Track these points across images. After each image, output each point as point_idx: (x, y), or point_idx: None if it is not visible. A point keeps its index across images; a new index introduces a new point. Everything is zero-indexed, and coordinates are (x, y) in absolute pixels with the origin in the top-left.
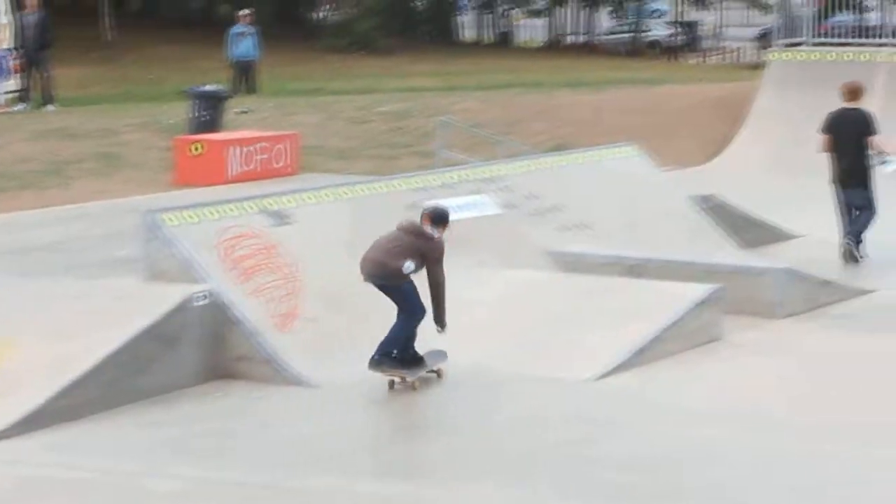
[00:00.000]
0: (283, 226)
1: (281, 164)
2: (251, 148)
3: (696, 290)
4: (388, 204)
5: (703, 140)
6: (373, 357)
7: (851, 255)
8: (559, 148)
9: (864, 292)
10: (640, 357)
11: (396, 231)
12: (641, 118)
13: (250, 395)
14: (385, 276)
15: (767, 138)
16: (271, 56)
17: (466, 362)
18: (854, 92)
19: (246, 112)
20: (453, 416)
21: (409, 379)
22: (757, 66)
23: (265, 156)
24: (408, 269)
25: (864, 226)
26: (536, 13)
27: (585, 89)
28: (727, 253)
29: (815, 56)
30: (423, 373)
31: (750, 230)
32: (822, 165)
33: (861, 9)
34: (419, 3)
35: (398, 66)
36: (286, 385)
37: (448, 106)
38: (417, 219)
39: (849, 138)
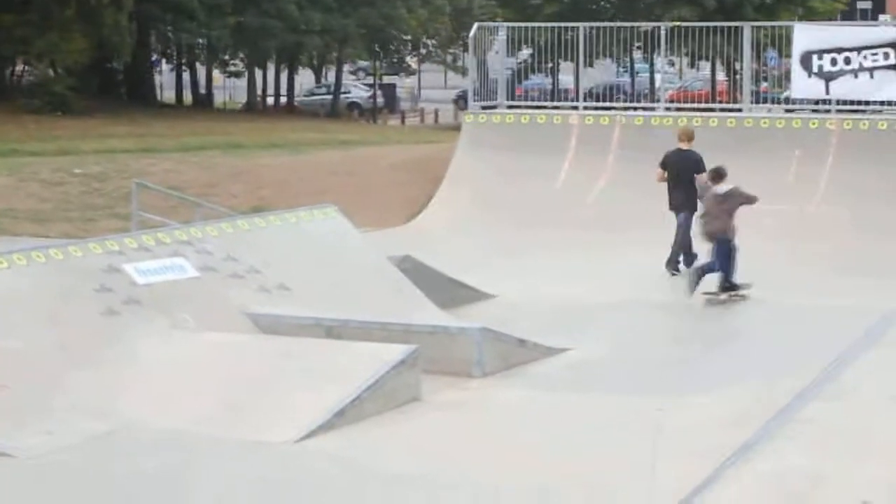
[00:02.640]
0: None
1: None
2: None
3: (394, 351)
4: (84, 267)
5: (402, 201)
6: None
7: (674, 268)
8: (258, 210)
9: (559, 351)
10: (340, 419)
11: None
12: (341, 179)
13: None
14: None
15: (463, 199)
16: None
17: (164, 426)
18: (687, 136)
19: None
20: (152, 483)
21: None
22: (455, 128)
23: None
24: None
25: (680, 248)
26: (236, 74)
27: (285, 151)
28: (425, 313)
29: (509, 119)
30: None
31: (447, 290)
32: (515, 225)
33: (555, 73)
34: (116, 64)
35: (96, 128)
36: None
37: (146, 167)
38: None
39: (682, 175)
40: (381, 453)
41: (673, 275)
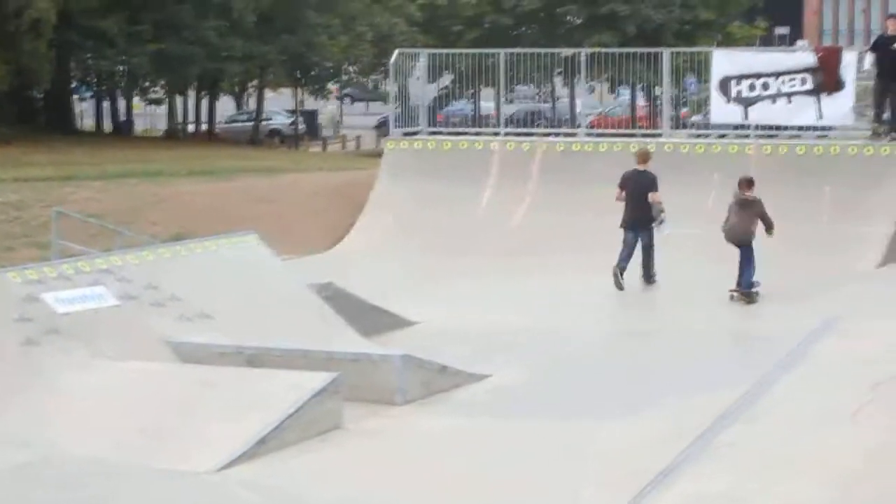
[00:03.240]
0: None
1: None
2: None
3: (316, 379)
4: (2, 297)
5: (325, 228)
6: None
7: (618, 281)
8: (179, 237)
9: (480, 377)
10: (262, 447)
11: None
12: (263, 207)
13: None
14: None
15: (385, 225)
16: None
17: (85, 455)
18: (644, 157)
19: None
20: None
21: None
22: (377, 155)
23: None
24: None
25: (651, 262)
26: (156, 101)
27: (206, 178)
28: (347, 340)
29: (430, 145)
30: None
31: (369, 317)
32: (437, 251)
33: (476, 99)
34: (36, 92)
35: (14, 156)
36: None
37: (66, 196)
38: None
39: (638, 193)
40: (303, 482)
41: (651, 283)
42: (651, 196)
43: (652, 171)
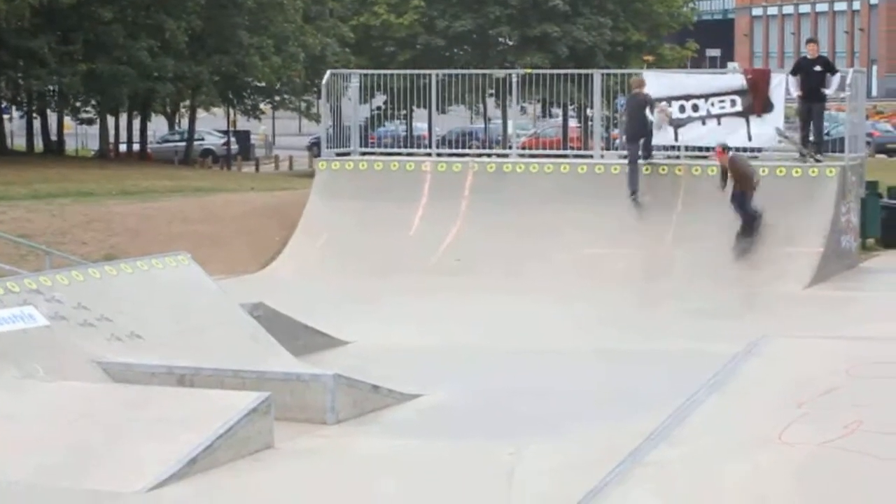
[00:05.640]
0: None
1: None
2: None
3: (247, 398)
4: None
5: (257, 248)
6: None
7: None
8: (110, 257)
9: (412, 397)
10: (192, 467)
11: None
12: (195, 227)
13: None
14: None
15: (317, 246)
16: None
17: (13, 477)
18: (638, 84)
19: None
20: None
21: None
22: (309, 175)
23: None
24: None
25: (635, 176)
26: (88, 121)
27: (138, 198)
28: (278, 360)
29: (362, 165)
30: None
31: (301, 337)
32: (369, 271)
33: (409, 120)
34: None
35: None
36: None
37: None
38: None
39: (633, 111)
40: (235, 502)
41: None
42: (647, 112)
43: (645, 93)
